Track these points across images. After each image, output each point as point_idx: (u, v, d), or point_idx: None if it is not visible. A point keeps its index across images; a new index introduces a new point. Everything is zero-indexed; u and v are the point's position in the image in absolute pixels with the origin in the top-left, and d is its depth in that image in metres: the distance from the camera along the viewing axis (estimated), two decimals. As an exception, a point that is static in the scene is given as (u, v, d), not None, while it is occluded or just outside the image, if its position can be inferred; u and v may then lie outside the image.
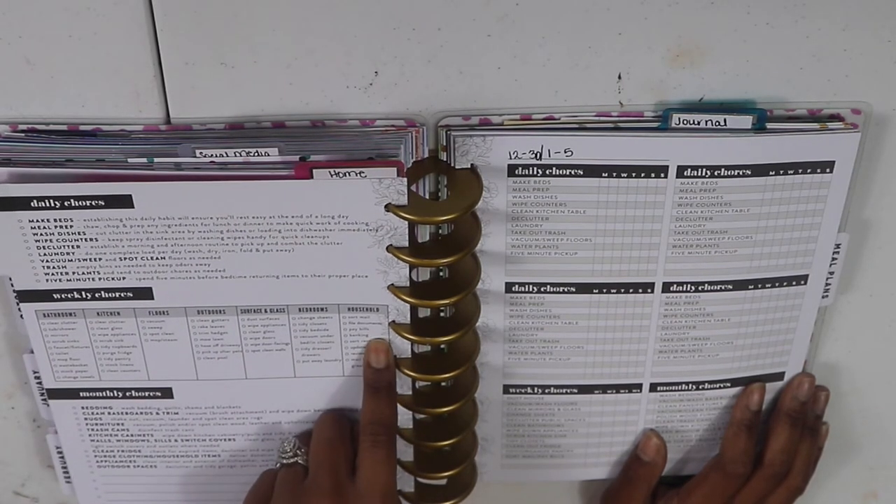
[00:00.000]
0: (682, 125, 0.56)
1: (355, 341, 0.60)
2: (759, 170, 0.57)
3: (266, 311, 0.59)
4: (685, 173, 0.57)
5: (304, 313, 0.59)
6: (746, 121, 0.56)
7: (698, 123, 0.56)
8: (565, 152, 0.56)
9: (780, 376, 0.66)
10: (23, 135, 0.56)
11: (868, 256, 0.64)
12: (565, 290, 0.62)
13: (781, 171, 0.57)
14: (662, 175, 0.57)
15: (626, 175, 0.57)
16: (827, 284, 0.63)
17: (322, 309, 0.59)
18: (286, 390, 0.62)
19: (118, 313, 0.59)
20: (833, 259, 0.62)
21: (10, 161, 0.54)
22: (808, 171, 0.58)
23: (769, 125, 0.56)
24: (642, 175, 0.57)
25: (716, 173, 0.57)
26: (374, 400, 0.60)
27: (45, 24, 0.53)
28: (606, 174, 0.57)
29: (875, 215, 0.62)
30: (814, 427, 0.67)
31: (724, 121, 0.56)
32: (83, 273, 0.58)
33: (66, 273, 0.57)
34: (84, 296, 0.58)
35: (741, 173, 0.57)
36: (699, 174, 0.57)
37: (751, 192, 0.58)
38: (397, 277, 0.58)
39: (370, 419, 0.60)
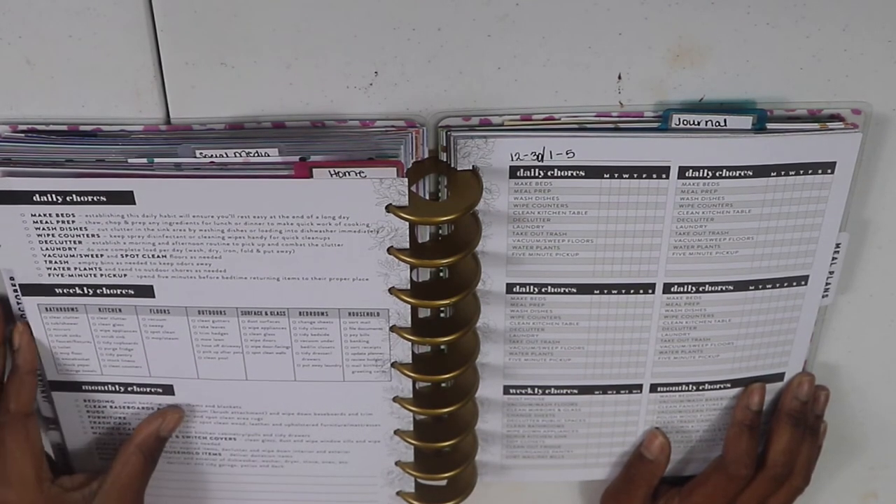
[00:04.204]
0: (682, 125, 0.56)
1: (356, 347, 0.60)
2: (761, 171, 0.57)
3: (266, 314, 0.59)
4: (686, 174, 0.57)
5: (305, 317, 0.59)
6: (747, 121, 0.56)
7: (698, 124, 0.56)
8: (567, 154, 0.56)
9: (780, 377, 0.66)
10: (23, 135, 0.56)
11: (868, 256, 0.64)
12: (566, 290, 0.62)
13: (783, 172, 0.57)
14: (664, 176, 0.57)
15: (627, 176, 0.57)
16: (827, 284, 0.63)
17: (322, 313, 0.59)
18: (286, 393, 0.62)
19: (120, 310, 0.59)
20: (833, 259, 0.62)
21: (11, 161, 0.54)
22: (810, 171, 0.58)
23: (769, 125, 0.56)
24: (644, 176, 0.57)
25: (717, 174, 0.57)
26: None
27: (45, 24, 0.53)
28: (608, 175, 0.57)
29: (875, 215, 0.62)
30: (814, 427, 0.67)
31: (725, 121, 0.56)
32: (85, 269, 0.58)
33: (68, 268, 0.58)
34: (86, 291, 0.59)
35: (742, 174, 0.57)
36: (701, 175, 0.57)
37: (752, 192, 0.58)
38: (398, 280, 0.58)
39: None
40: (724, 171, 0.57)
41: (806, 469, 0.67)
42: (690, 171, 0.57)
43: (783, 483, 0.66)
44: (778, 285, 0.62)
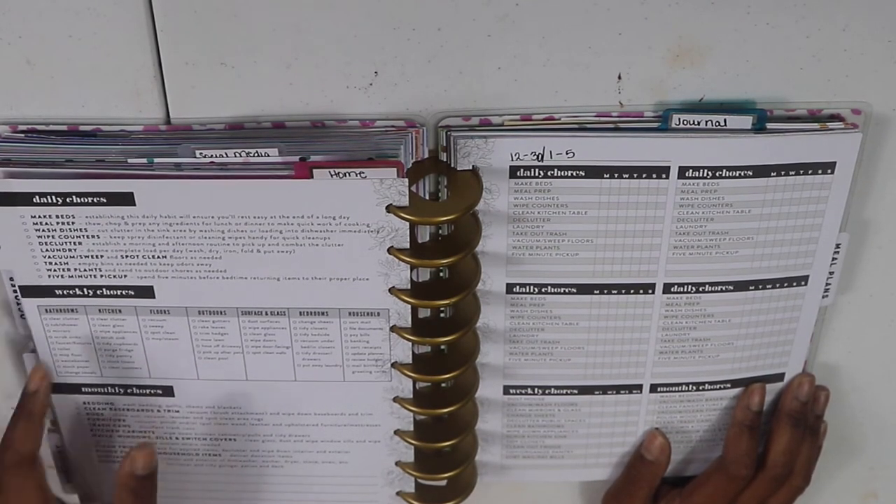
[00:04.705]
0: (682, 125, 0.56)
1: (356, 347, 0.60)
2: (761, 171, 0.57)
3: (267, 314, 0.59)
4: (686, 174, 0.57)
5: (305, 317, 0.59)
6: (746, 121, 0.56)
7: (698, 124, 0.56)
8: (567, 153, 0.56)
9: (780, 377, 0.66)
10: (23, 135, 0.56)
11: (868, 256, 0.64)
12: (566, 290, 0.62)
13: (783, 172, 0.57)
14: (664, 176, 0.57)
15: (627, 176, 0.57)
16: (827, 284, 0.63)
17: (323, 313, 0.59)
18: (286, 393, 0.62)
19: (120, 311, 0.59)
20: (833, 259, 0.62)
21: (10, 161, 0.54)
22: (810, 171, 0.58)
23: (769, 125, 0.56)
24: (644, 176, 0.57)
25: (717, 174, 0.57)
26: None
27: (45, 24, 0.53)
28: (608, 175, 0.57)
29: (875, 215, 0.62)
30: (814, 427, 0.67)
31: (725, 121, 0.56)
32: (85, 270, 0.58)
33: (68, 269, 0.58)
34: (86, 293, 0.59)
35: (742, 174, 0.57)
36: (701, 175, 0.57)
37: (752, 192, 0.58)
38: (398, 280, 0.58)
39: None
40: (724, 171, 0.57)
41: (806, 469, 0.67)
42: (690, 171, 0.57)
43: (783, 483, 0.66)
44: (778, 285, 0.62)
